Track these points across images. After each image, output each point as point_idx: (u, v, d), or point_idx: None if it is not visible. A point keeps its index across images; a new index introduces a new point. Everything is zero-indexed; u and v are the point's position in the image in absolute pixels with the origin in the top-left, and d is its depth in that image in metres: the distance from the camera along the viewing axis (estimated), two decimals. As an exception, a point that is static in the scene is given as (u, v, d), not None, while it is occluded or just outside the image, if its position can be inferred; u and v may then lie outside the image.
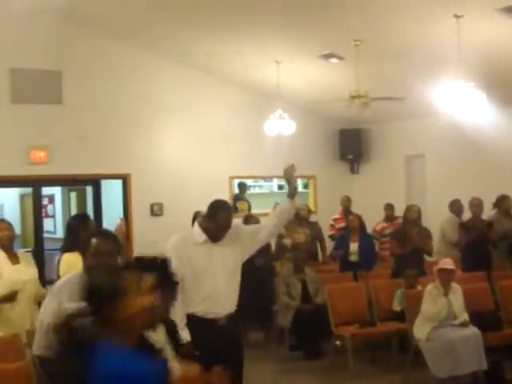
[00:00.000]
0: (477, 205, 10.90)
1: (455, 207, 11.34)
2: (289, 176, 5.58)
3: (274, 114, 12.36)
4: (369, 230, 11.97)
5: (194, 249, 5.31)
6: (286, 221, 5.83)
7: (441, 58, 9.63)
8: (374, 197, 14.06)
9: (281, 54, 11.48)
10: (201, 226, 5.44)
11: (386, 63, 10.88)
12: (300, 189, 16.27)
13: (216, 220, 5.36)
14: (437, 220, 11.52)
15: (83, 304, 3.03)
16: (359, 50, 10.21)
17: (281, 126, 12.43)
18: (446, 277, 7.86)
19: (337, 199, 13.26)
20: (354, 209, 12.79)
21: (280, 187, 16.19)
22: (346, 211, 12.63)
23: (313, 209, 13.93)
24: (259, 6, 9.69)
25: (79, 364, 2.90)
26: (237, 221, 7.47)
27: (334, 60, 11.17)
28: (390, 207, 12.63)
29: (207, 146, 13.59)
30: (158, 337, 3.62)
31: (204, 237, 5.35)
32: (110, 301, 3.00)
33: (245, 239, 5.50)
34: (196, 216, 10.28)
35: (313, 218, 12.47)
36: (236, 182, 14.84)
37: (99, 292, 3.03)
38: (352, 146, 15.16)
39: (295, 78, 12.38)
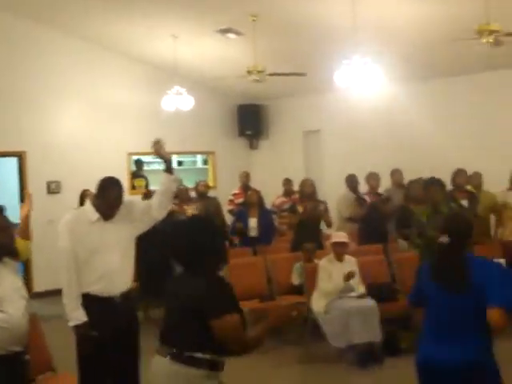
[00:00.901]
0: (373, 179, 11.13)
1: (350, 181, 11.47)
2: (157, 152, 5.56)
3: (171, 89, 12.25)
4: (268, 205, 12.04)
5: (87, 227, 5.21)
6: (171, 195, 5.68)
7: (337, 33, 9.69)
8: (273, 172, 14.17)
9: (177, 29, 11.32)
10: (93, 204, 5.35)
11: (284, 38, 10.91)
12: (199, 165, 16.26)
13: (105, 197, 5.26)
14: (335, 194, 11.66)
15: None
16: (256, 25, 10.19)
17: (179, 101, 12.31)
18: (339, 250, 8.06)
19: (236, 175, 13.28)
20: (254, 184, 12.84)
21: (179, 163, 16.05)
22: (245, 186, 12.67)
23: (212, 184, 13.92)
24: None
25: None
26: (135, 197, 7.40)
27: (231, 35, 11.12)
28: (288, 182, 12.71)
29: (104, 122, 13.37)
30: None
31: (97, 215, 5.25)
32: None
33: (137, 215, 5.42)
34: (83, 194, 10.15)
35: (212, 194, 12.46)
36: (135, 158, 14.67)
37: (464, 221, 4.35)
38: (251, 122, 15.19)
39: (193, 53, 12.28)
